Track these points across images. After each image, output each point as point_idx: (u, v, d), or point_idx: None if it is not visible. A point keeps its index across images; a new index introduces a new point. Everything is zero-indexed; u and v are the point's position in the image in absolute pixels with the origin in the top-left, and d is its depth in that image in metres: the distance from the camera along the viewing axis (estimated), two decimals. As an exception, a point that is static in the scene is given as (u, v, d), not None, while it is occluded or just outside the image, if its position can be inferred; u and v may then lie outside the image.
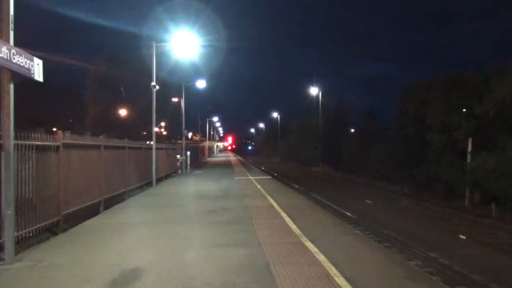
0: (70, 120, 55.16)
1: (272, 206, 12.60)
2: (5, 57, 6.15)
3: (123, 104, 51.28)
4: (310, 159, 53.30)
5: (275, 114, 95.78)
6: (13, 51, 6.33)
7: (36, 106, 42.32)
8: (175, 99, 44.88)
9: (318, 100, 54.34)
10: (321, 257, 6.64)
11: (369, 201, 22.35)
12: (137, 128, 48.25)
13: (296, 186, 28.17)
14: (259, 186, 19.12)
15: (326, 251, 7.00)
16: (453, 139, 24.99)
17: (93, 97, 49.51)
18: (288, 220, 10.13)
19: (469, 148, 22.85)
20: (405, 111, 30.98)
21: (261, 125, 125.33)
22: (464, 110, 25.18)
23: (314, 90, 56.10)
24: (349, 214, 17.46)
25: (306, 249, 7.24)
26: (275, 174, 38.07)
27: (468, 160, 22.53)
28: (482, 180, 20.43)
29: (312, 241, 7.71)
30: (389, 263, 6.94)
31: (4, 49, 6.11)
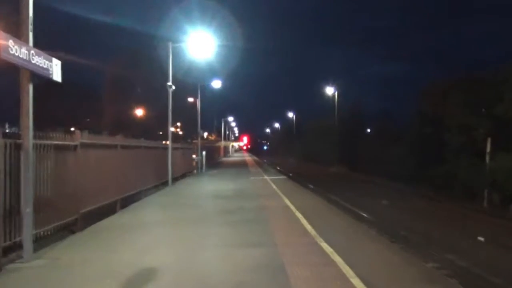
0: (88, 120, 55.86)
1: (287, 206, 12.59)
2: (24, 58, 6.26)
3: (139, 104, 51.76)
4: (326, 159, 53.04)
5: (290, 114, 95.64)
6: (32, 51, 6.44)
7: (54, 105, 42.93)
8: (191, 99, 45.13)
9: (334, 100, 54.09)
10: (336, 258, 6.61)
11: (386, 202, 22.15)
12: (153, 127, 48.66)
13: (312, 187, 28.06)
14: (274, 186, 19.10)
15: (341, 251, 6.96)
16: (472, 140, 24.62)
17: (110, 97, 50.12)
18: (303, 220, 10.11)
19: (488, 149, 22.47)
20: (422, 111, 30.65)
21: (277, 125, 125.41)
22: (483, 110, 24.78)
23: (330, 90, 55.89)
24: (365, 215, 17.32)
25: (321, 249, 7.22)
26: (291, 174, 37.95)
27: (487, 161, 22.17)
28: (502, 180, 20.08)
29: (328, 242, 7.68)
30: (406, 264, 6.87)
31: (23, 50, 6.23)
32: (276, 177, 26.10)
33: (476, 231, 15.04)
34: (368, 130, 53.57)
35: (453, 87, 27.11)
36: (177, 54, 22.78)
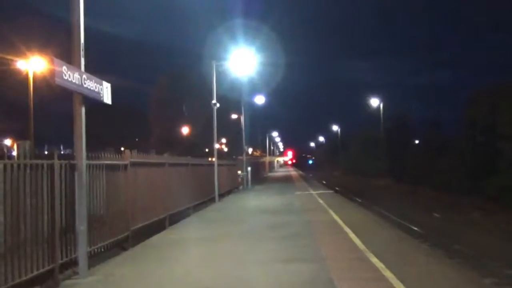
0: (136, 139, 57.70)
1: (334, 221, 12.39)
2: (77, 82, 6.58)
3: (185, 122, 52.85)
4: (372, 172, 51.95)
5: (335, 127, 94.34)
6: (84, 76, 6.76)
7: (104, 126, 44.68)
8: (235, 116, 45.68)
9: (379, 111, 53.13)
10: (387, 273, 6.41)
11: (437, 215, 21.35)
12: (199, 145, 49.50)
13: (359, 200, 27.49)
14: (320, 201, 18.88)
15: (392, 266, 6.75)
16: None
17: (156, 116, 51.56)
18: (352, 235, 9.90)
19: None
20: (473, 119, 29.52)
21: (321, 138, 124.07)
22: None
23: (375, 102, 54.96)
24: (415, 229, 16.74)
25: (371, 264, 7.03)
26: (337, 188, 37.38)
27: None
28: None
29: (378, 257, 7.47)
30: (462, 280, 6.58)
31: (76, 75, 6.55)
32: (322, 191, 25.79)
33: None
34: (417, 141, 52.12)
35: (505, 93, 25.99)
36: (221, 72, 23.20)
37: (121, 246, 8.91)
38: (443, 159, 33.07)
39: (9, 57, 24.90)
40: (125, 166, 9.31)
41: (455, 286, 6.08)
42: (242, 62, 22.13)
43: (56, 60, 6.19)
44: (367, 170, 54.43)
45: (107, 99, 7.54)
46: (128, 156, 9.52)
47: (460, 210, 22.80)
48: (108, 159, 8.51)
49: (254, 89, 39.55)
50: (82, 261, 6.78)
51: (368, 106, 56.32)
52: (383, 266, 6.85)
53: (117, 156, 9.13)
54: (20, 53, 24.75)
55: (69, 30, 6.86)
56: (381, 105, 53.31)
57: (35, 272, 5.95)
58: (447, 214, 21.47)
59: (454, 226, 18.17)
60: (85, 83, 6.78)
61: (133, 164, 9.74)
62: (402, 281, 5.95)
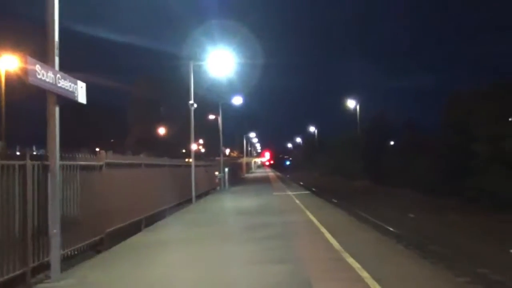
0: (112, 140, 56.92)
1: (311, 222, 12.49)
2: (51, 81, 6.46)
3: (162, 123, 52.45)
4: (349, 173, 52.51)
5: (312, 128, 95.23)
6: (58, 75, 6.65)
7: (79, 126, 43.94)
8: (212, 116, 45.55)
9: (356, 112, 53.81)
10: (364, 274, 6.50)
11: (412, 215, 21.71)
12: (176, 146, 49.19)
13: (336, 201, 27.74)
14: (297, 201, 19.00)
15: (369, 267, 6.84)
16: (502, 150, 24.02)
17: (133, 117, 50.97)
18: (328, 235, 10.00)
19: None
20: (449, 121, 30.17)
21: (299, 139, 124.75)
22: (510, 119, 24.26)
23: (351, 103, 55.67)
24: (392, 229, 17.00)
25: (348, 265, 7.11)
26: (314, 189, 37.63)
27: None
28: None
29: (354, 257, 7.56)
30: (437, 280, 6.71)
31: (50, 74, 6.43)
32: (299, 192, 25.95)
33: (511, 244, 14.57)
34: (392, 142, 52.91)
35: (481, 96, 26.64)
36: (198, 73, 23.12)
37: (96, 248, 8.78)
38: (420, 160, 33.65)
39: (-20, 55, 24.20)
40: (100, 167, 9.20)
41: (430, 285, 6.20)
42: (220, 62, 22.07)
43: (30, 59, 6.07)
44: (344, 171, 55.01)
45: (82, 98, 7.43)
46: (103, 157, 9.40)
47: (435, 211, 23.24)
48: (82, 160, 8.38)
49: (232, 89, 39.53)
50: (55, 264, 6.66)
51: (345, 107, 57.00)
52: (359, 266, 6.94)
53: (92, 157, 9.01)
54: (-8, 51, 24.09)
55: (44, 28, 6.74)
56: (358, 106, 54.07)
57: (6, 276, 5.82)
58: (423, 215, 21.86)
59: (429, 226, 18.51)
60: (59, 82, 6.66)
61: (109, 165, 9.62)
62: (378, 281, 6.04)
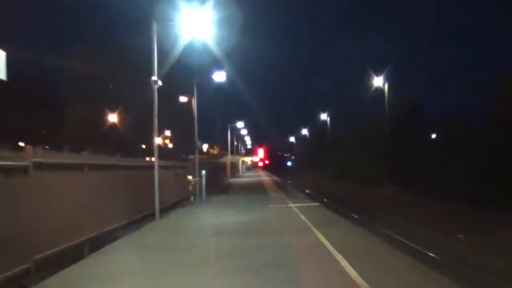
0: (43, 131, 56.46)
1: (322, 245, 12.50)
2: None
3: (112, 108, 52.13)
4: (372, 177, 52.67)
5: (323, 116, 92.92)
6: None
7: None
8: (184, 99, 45.07)
9: (383, 96, 53.55)
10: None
11: (462, 236, 21.81)
12: (132, 139, 48.98)
13: (356, 216, 27.83)
14: (303, 217, 19.02)
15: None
16: None
17: (71, 100, 50.57)
18: (345, 263, 10.01)
19: None
20: (504, 109, 30.33)
21: (305, 131, 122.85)
22: None
23: (378, 81, 55.01)
24: (433, 255, 17.06)
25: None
26: (325, 200, 37.76)
27: None
28: None
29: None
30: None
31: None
32: (305, 204, 26.00)
33: None
34: (433, 136, 53.19)
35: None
36: (166, 38, 22.89)
37: (18, 283, 8.66)
38: (463, 161, 33.88)
39: None
40: (26, 168, 9.05)
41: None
42: (195, 24, 21.86)
43: None
44: (366, 175, 55.14)
45: (1, 73, 7.28)
46: (30, 155, 9.25)
47: (490, 229, 23.35)
48: (-1, 159, 8.24)
49: (214, 64, 38.70)
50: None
51: (369, 85, 56.39)
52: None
53: (14, 154, 8.87)
54: None
55: None
56: (386, 86, 53.63)
57: None
58: (475, 234, 21.97)
59: (483, 250, 18.59)
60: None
61: (38, 166, 9.48)
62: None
